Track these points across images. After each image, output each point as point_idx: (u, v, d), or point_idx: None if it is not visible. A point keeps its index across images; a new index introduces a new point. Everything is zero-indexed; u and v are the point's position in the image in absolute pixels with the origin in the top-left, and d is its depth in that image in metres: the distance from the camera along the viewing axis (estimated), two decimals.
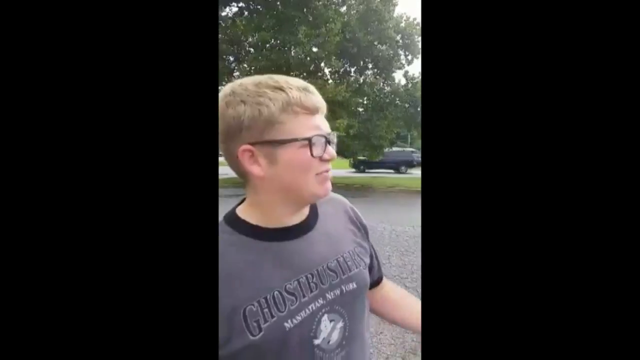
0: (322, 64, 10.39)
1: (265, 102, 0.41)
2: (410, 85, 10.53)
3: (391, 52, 10.22)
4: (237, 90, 0.42)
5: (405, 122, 11.05)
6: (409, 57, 10.69)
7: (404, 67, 10.79)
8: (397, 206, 5.89)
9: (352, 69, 10.96)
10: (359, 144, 10.13)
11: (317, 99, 0.44)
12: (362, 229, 0.56)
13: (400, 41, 10.40)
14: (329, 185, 0.46)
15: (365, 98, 10.37)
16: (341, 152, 11.69)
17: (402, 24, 10.35)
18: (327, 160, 0.44)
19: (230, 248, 0.42)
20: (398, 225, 4.59)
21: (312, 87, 0.45)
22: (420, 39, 10.44)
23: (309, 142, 0.41)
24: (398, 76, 10.94)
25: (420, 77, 10.62)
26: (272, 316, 0.40)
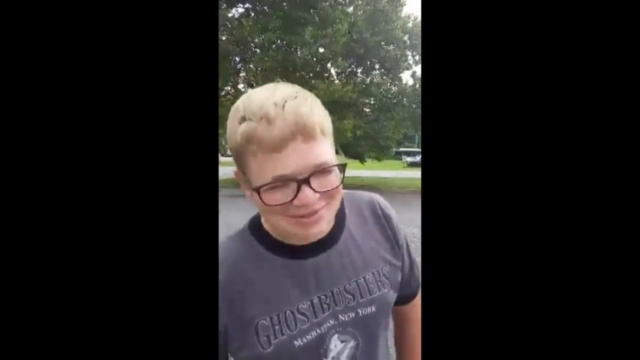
0: (329, 65, 10.40)
1: (232, 135, 0.37)
2: (417, 85, 10.46)
3: (398, 52, 10.18)
4: (231, 111, 0.39)
5: (412, 123, 10.98)
6: (417, 58, 10.63)
7: (411, 68, 10.75)
8: (403, 207, 5.86)
9: (359, 70, 10.95)
10: (366, 145, 10.11)
11: (283, 126, 0.34)
12: (394, 237, 0.50)
13: (408, 41, 10.36)
14: (316, 229, 0.38)
15: (372, 98, 10.35)
16: (348, 153, 11.68)
17: (410, 24, 10.31)
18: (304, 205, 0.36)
19: (249, 259, 0.42)
20: (406, 226, 4.55)
21: (282, 110, 0.35)
22: None
23: (258, 192, 0.36)
24: (405, 76, 10.92)
25: None
26: (282, 334, 0.40)
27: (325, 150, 0.37)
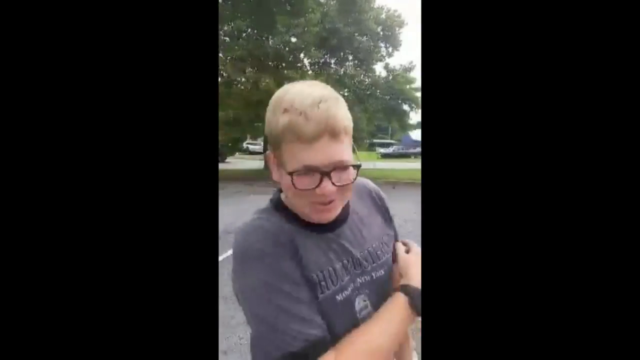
0: (302, 55, 10.26)
1: (273, 122, 0.43)
2: (390, 77, 10.58)
3: (371, 43, 10.21)
4: (277, 96, 0.44)
5: (385, 114, 11.13)
6: (390, 49, 10.72)
7: (384, 59, 10.83)
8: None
9: (332, 60, 10.89)
10: None
11: (318, 123, 0.40)
12: (387, 214, 0.59)
13: (381, 33, 10.40)
14: (328, 215, 0.46)
15: (345, 90, 10.36)
16: None
17: (383, 16, 10.34)
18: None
19: (286, 233, 0.46)
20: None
21: (317, 109, 0.41)
22: (400, 30, 10.50)
23: (290, 176, 0.42)
24: (378, 68, 10.97)
25: (401, 70, 10.72)
26: (328, 289, 0.46)
27: (346, 150, 0.43)
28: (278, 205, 0.50)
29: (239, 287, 0.44)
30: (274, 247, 0.43)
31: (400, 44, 10.69)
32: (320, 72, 10.28)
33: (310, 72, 10.43)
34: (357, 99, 10.13)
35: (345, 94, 10.51)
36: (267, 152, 0.46)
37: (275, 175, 0.46)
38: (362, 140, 10.87)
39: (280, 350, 0.39)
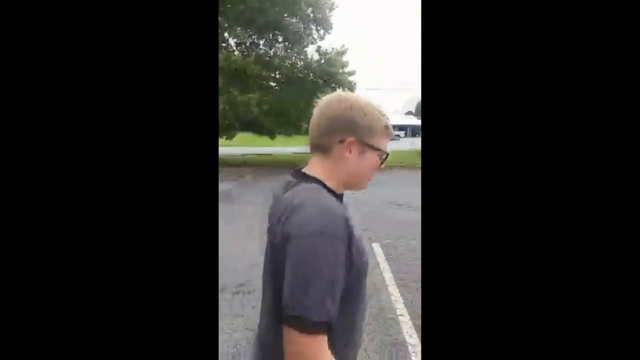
0: (226, 34, 9.42)
1: (376, 120, 0.63)
2: (323, 60, 10.36)
3: (302, 25, 9.81)
4: (360, 103, 0.62)
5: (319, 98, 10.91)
6: (321, 32, 10.45)
7: (316, 42, 10.54)
8: None
9: (261, 42, 10.25)
10: (275, 121, 9.73)
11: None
12: None
13: (311, 15, 10.03)
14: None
15: (277, 72, 9.88)
16: (253, 128, 11.11)
17: None
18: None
19: (343, 212, 0.57)
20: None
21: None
22: (331, 13, 10.28)
23: (386, 155, 0.65)
24: (310, 51, 10.66)
25: (333, 53, 10.57)
26: (362, 255, 0.59)
27: None
28: (322, 185, 0.62)
29: (295, 248, 0.51)
30: (344, 231, 0.53)
31: (332, 27, 10.49)
32: (249, 54, 9.60)
33: (237, 52, 9.68)
34: (290, 82, 9.74)
35: (277, 76, 10.03)
36: (350, 139, 0.60)
37: (348, 156, 0.62)
38: (300, 121, 10.57)
39: (304, 318, 0.48)
